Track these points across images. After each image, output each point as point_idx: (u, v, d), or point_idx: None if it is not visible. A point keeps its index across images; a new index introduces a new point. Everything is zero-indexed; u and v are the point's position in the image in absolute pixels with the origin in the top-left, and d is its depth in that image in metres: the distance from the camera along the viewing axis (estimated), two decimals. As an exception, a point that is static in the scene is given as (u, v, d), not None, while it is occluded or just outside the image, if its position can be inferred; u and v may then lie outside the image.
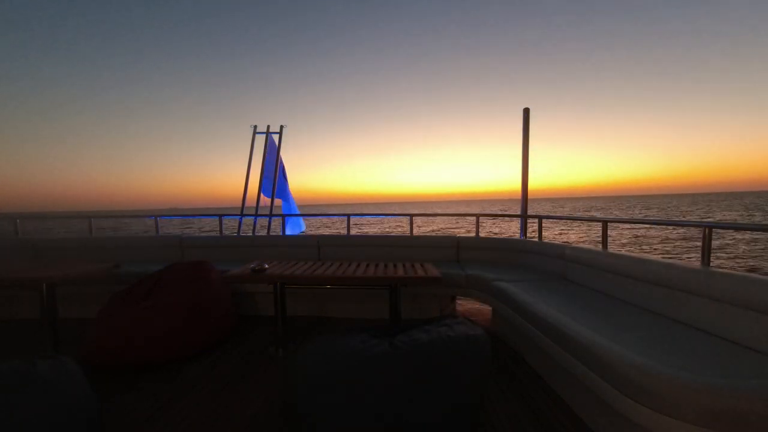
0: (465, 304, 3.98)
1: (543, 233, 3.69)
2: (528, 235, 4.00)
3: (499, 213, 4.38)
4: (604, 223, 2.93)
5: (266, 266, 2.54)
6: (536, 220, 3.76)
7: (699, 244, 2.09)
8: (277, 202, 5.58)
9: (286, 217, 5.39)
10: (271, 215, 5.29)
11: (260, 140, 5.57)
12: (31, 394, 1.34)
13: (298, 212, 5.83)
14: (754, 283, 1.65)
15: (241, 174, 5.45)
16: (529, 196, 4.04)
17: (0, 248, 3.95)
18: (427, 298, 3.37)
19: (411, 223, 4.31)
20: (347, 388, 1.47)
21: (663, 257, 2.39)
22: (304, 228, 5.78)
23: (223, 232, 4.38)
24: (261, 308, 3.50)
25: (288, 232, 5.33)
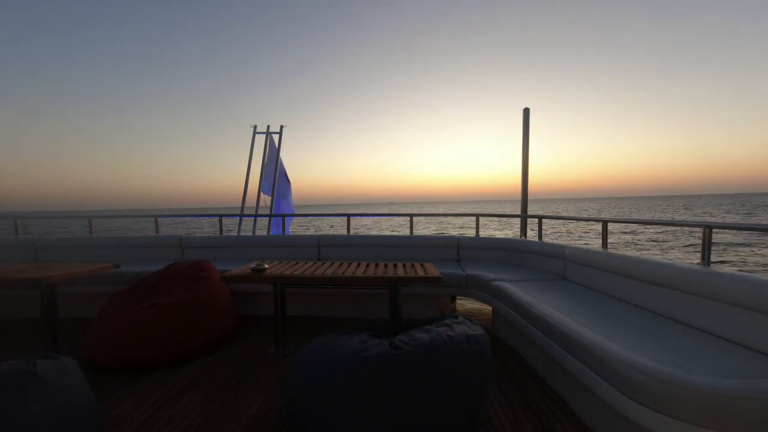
0: (465, 304, 3.98)
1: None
2: (528, 235, 4.00)
3: (499, 213, 4.38)
4: (604, 223, 2.93)
5: (266, 266, 2.54)
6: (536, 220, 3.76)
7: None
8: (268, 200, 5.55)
9: (275, 218, 5.36)
10: (270, 215, 5.29)
11: (260, 140, 5.58)
12: (31, 394, 1.34)
13: (292, 213, 5.82)
14: (754, 283, 1.65)
15: (241, 174, 5.46)
16: (531, 197, 4.04)
17: (0, 248, 3.95)
18: (427, 298, 3.37)
19: (411, 223, 4.31)
20: (347, 388, 1.47)
21: (663, 257, 2.39)
22: (289, 232, 5.75)
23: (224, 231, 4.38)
24: (261, 308, 3.50)
25: (275, 231, 5.33)
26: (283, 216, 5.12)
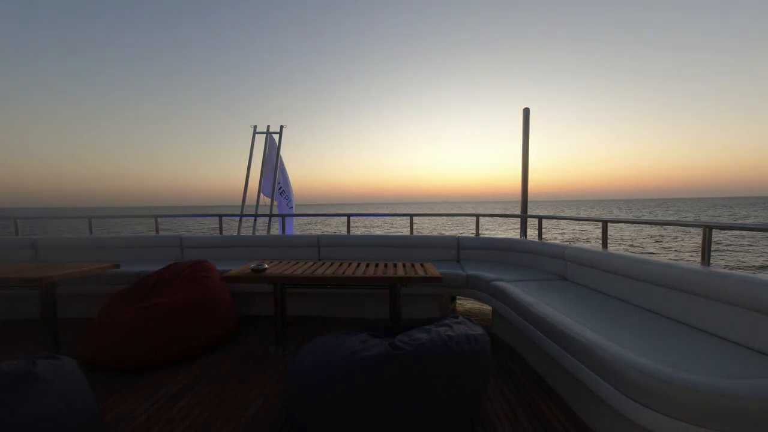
0: (465, 304, 3.99)
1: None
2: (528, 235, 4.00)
3: (499, 213, 4.38)
4: (604, 223, 2.93)
5: (266, 266, 2.54)
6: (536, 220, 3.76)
7: None
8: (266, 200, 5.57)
9: (287, 217, 5.39)
10: (270, 215, 5.29)
11: (260, 140, 5.58)
12: (31, 394, 1.34)
13: (293, 212, 5.83)
14: (754, 283, 1.65)
15: (241, 174, 5.46)
16: (533, 198, 4.05)
17: (0, 248, 3.95)
18: (427, 298, 3.37)
19: (411, 223, 4.31)
20: (347, 388, 1.47)
21: (663, 257, 2.39)
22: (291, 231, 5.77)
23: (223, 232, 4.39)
24: (261, 308, 3.50)
25: (287, 231, 5.35)
26: (283, 216, 5.12)
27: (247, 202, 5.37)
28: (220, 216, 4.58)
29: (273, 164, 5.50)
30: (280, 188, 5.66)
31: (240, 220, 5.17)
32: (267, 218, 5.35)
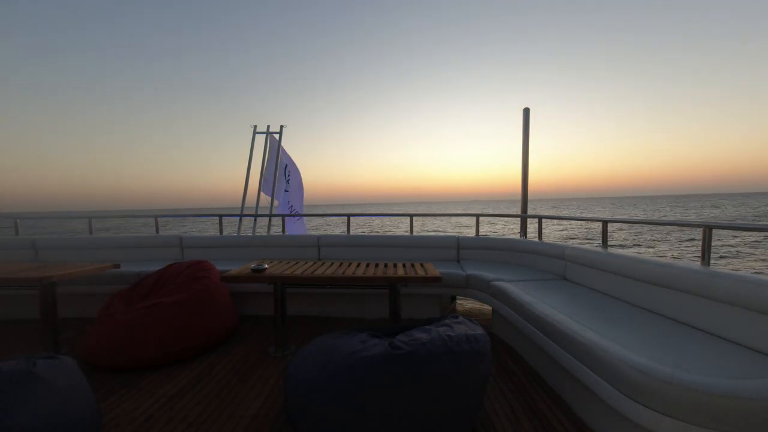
0: (465, 304, 3.99)
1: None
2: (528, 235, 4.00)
3: (499, 213, 4.38)
4: (604, 223, 2.93)
5: (266, 266, 2.54)
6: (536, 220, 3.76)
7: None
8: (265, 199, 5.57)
9: (288, 218, 5.41)
10: (271, 215, 5.29)
11: (260, 140, 5.58)
12: (31, 394, 1.34)
13: (301, 213, 5.83)
14: (754, 283, 1.65)
15: (241, 174, 5.46)
16: (530, 197, 4.05)
17: (0, 248, 3.95)
18: (427, 298, 3.37)
19: (411, 223, 4.31)
20: (347, 388, 1.47)
21: (663, 257, 2.40)
22: (304, 230, 5.78)
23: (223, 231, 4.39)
24: (261, 308, 3.50)
25: (292, 231, 5.36)
26: (283, 216, 5.12)
27: (247, 203, 5.37)
28: (220, 216, 4.58)
29: (273, 164, 5.50)
30: (287, 186, 5.67)
31: (240, 220, 5.17)
32: (267, 218, 5.35)
